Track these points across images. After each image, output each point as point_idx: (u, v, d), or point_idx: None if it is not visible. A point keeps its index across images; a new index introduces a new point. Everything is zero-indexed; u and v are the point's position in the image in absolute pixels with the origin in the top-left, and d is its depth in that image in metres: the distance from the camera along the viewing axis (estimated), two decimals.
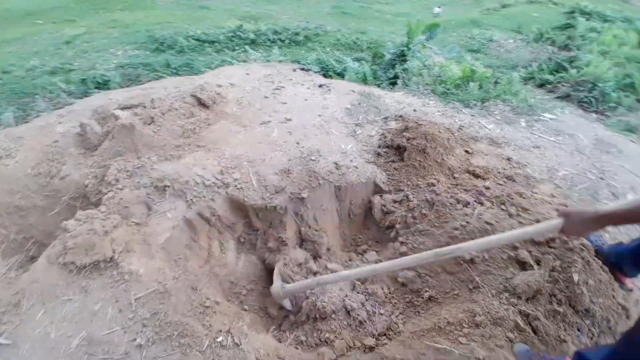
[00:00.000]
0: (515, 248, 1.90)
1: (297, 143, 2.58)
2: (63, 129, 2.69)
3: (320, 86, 3.31)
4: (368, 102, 3.11)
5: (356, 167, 2.43)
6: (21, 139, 2.57)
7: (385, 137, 2.67)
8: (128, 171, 2.33)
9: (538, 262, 1.79)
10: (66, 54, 6.28)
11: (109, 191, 2.22)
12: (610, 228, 2.07)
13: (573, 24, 6.19)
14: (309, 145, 2.57)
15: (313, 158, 2.45)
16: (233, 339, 1.65)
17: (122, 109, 2.71)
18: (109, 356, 1.56)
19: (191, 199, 2.19)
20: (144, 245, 1.97)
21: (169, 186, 2.23)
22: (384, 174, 2.46)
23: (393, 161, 2.52)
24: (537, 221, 1.99)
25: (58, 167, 2.44)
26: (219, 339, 1.64)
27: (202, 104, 2.89)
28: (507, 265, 1.86)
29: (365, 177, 2.40)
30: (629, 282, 1.78)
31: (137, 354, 1.57)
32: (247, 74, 3.59)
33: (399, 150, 2.54)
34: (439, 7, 7.09)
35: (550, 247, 1.82)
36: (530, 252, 1.85)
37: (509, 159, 2.58)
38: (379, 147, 2.62)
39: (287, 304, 2.02)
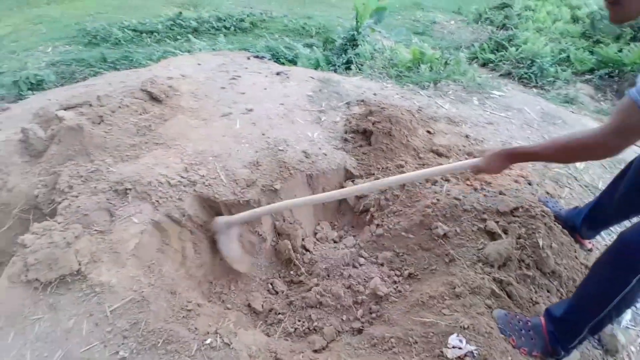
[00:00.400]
0: (483, 220, 2.02)
1: (263, 134, 2.52)
2: (3, 137, 2.41)
3: (278, 74, 3.25)
4: (328, 88, 3.11)
5: (325, 154, 2.44)
6: None
7: (350, 123, 2.69)
8: (82, 176, 2.15)
9: (505, 231, 1.92)
10: None
11: (63, 200, 2.04)
12: (564, 194, 2.28)
13: (509, 3, 6.59)
14: (275, 135, 2.52)
15: (281, 148, 2.41)
16: (222, 339, 1.61)
17: (65, 109, 2.47)
18: None
19: (157, 201, 2.07)
20: (112, 254, 1.84)
21: (130, 189, 2.09)
22: (353, 159, 2.49)
23: (361, 146, 2.55)
24: (500, 193, 2.14)
25: (4, 178, 2.19)
26: (208, 341, 1.59)
27: (154, 98, 2.71)
28: (477, 237, 1.98)
29: (336, 163, 2.42)
30: (587, 243, 1.97)
31: None
32: (199, 64, 3.43)
33: (366, 134, 2.58)
34: None
35: (515, 216, 1.96)
36: (497, 222, 1.98)
37: (467, 136, 2.72)
38: (345, 132, 2.64)
39: (224, 246, 2.06)
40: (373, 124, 2.52)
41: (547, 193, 2.23)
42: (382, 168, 2.42)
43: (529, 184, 2.27)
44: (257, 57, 3.75)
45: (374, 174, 2.40)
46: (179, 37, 6.93)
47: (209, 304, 1.93)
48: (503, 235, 1.91)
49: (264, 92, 2.98)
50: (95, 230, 1.92)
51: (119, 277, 1.75)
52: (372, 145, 2.51)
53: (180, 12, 7.54)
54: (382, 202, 2.28)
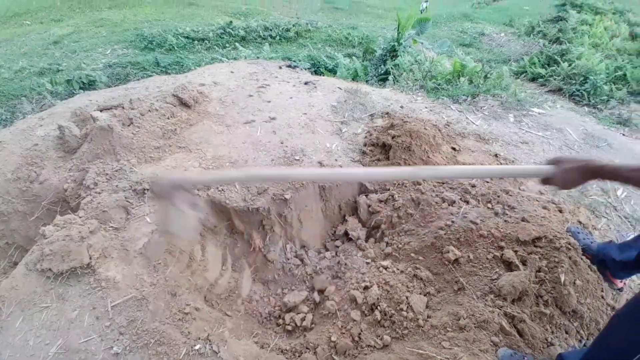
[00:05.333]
0: (500, 248, 1.87)
1: (281, 142, 2.53)
2: (43, 132, 2.62)
3: (306, 83, 3.26)
4: (355, 99, 3.06)
5: (341, 167, 2.39)
6: (1, 143, 2.50)
7: (370, 135, 2.62)
8: (107, 174, 2.28)
9: (524, 262, 1.76)
10: (54, 54, 6.19)
11: (87, 195, 2.17)
12: (600, 224, 2.04)
13: (564, 17, 6.18)
14: (293, 144, 2.52)
15: (297, 158, 2.40)
16: (211, 347, 1.61)
17: (101, 110, 2.65)
18: None
19: None
20: (122, 251, 1.91)
21: (147, 189, 2.17)
22: None
23: (378, 159, 2.47)
24: (523, 219, 1.96)
25: (37, 171, 2.38)
26: (197, 347, 1.59)
27: (183, 103, 2.83)
28: (492, 266, 1.82)
29: None
30: (618, 281, 1.74)
31: None
32: (232, 72, 3.53)
33: (385, 148, 2.50)
34: (426, 1, 7.04)
35: (537, 246, 1.78)
36: (516, 252, 1.81)
37: (496, 155, 2.54)
38: (365, 145, 2.57)
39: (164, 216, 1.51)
40: (392, 137, 2.44)
41: (580, 223, 2.01)
42: (398, 184, 2.32)
43: (560, 211, 2.05)
44: (289, 66, 3.80)
45: (389, 189, 2.31)
46: (227, 45, 7.21)
47: (208, 309, 1.94)
48: (521, 267, 1.74)
49: (289, 101, 3.00)
50: (111, 226, 2.02)
51: (124, 274, 1.81)
52: (390, 160, 2.42)
53: (231, 21, 7.86)
54: (394, 219, 2.18)
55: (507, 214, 2.02)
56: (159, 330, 1.63)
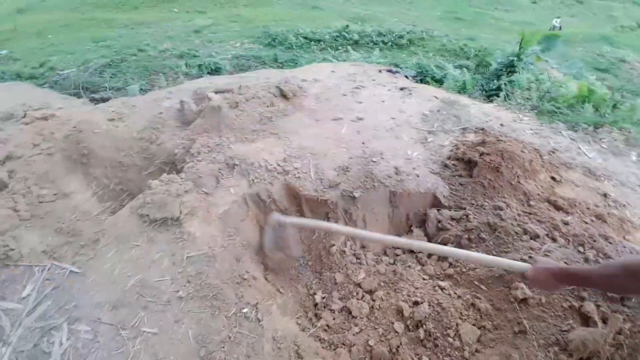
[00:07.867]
0: (581, 299, 1.63)
1: (363, 143, 2.57)
2: (168, 104, 3.12)
3: (401, 89, 3.23)
4: (449, 110, 2.94)
5: (417, 176, 2.33)
6: (134, 107, 3.06)
7: (457, 149, 2.49)
8: (209, 147, 2.61)
9: (604, 320, 1.51)
10: (194, 42, 7.20)
11: (190, 161, 2.52)
12: None
13: None
14: (373, 146, 2.55)
15: (374, 160, 2.42)
16: (257, 314, 1.75)
17: (215, 92, 3.04)
18: (154, 300, 1.79)
19: (253, 180, 2.36)
20: (206, 212, 2.19)
21: (237, 165, 2.44)
22: (447, 187, 2.31)
23: (460, 175, 2.34)
24: None
25: (157, 135, 2.85)
26: (245, 310, 1.75)
27: (283, 95, 3.07)
28: (565, 316, 1.61)
29: (425, 187, 2.29)
30: None
31: (177, 304, 1.76)
32: (333, 71, 3.69)
33: (470, 164, 2.36)
34: (559, 17, 6.26)
35: (624, 305, 1.51)
36: (598, 306, 1.57)
37: (605, 195, 2.19)
38: (448, 158, 2.47)
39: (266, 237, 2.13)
40: (480, 155, 2.29)
41: None
42: (477, 204, 2.18)
43: None
44: (389, 71, 3.80)
45: (464, 208, 2.18)
46: (340, 47, 7.51)
47: (264, 281, 2.10)
48: (599, 324, 1.50)
49: (380, 105, 3.02)
50: (202, 190, 2.32)
51: (202, 232, 2.07)
52: (473, 178, 2.28)
53: (347, 25, 8.15)
54: (463, 241, 2.06)
55: (599, 262, 1.75)
56: (218, 286, 1.83)
